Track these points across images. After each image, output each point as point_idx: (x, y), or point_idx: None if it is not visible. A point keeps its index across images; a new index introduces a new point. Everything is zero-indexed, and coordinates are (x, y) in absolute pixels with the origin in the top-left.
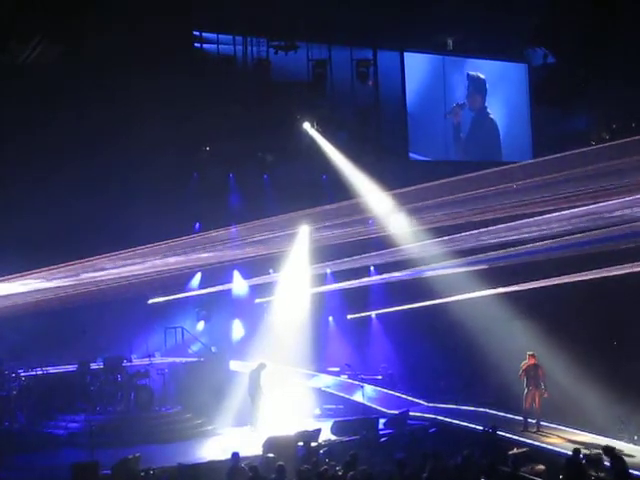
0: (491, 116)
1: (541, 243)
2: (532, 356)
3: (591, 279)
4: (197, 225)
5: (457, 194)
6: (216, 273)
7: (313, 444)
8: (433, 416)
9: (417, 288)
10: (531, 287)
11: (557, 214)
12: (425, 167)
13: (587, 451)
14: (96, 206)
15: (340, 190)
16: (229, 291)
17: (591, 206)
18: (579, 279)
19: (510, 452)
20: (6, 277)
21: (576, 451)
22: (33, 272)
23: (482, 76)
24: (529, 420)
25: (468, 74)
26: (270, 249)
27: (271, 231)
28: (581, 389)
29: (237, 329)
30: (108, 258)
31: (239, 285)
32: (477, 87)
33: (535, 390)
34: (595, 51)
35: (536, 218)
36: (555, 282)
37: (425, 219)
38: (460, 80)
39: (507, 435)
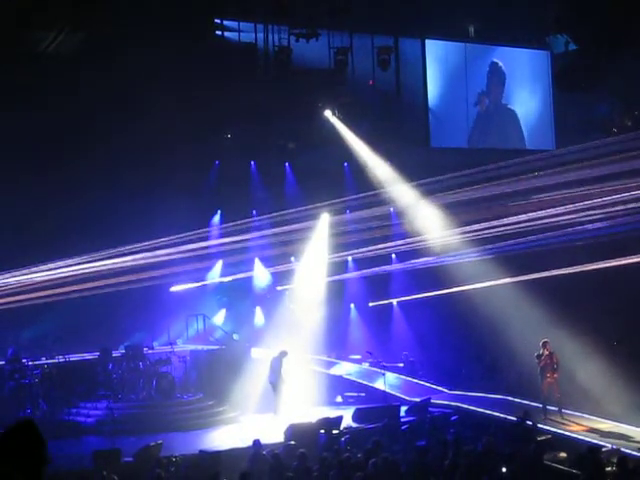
0: (509, 106)
1: (566, 230)
2: (547, 343)
3: (615, 266)
4: (218, 212)
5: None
6: (237, 261)
7: (335, 431)
8: (455, 404)
9: (438, 276)
10: (553, 275)
11: (584, 203)
12: (446, 155)
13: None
14: (115, 194)
15: (361, 178)
16: (250, 279)
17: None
18: (603, 266)
19: (532, 440)
20: (31, 267)
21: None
22: (55, 262)
23: (500, 64)
24: (549, 407)
25: (491, 62)
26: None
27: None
28: (603, 377)
29: (259, 317)
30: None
31: (260, 273)
32: (497, 75)
33: (552, 378)
34: (616, 37)
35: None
36: (578, 270)
37: (449, 208)
38: (482, 67)
39: (529, 423)
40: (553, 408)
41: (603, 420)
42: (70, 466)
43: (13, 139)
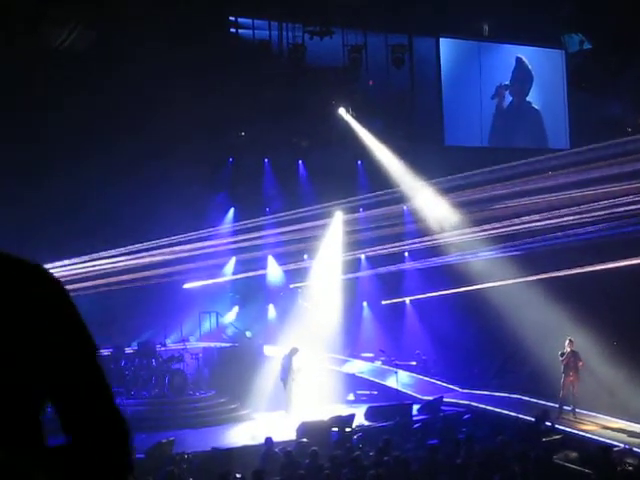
0: (534, 105)
1: (578, 230)
2: (571, 342)
3: (628, 265)
4: (231, 210)
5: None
6: (251, 258)
7: (347, 429)
8: (467, 402)
9: (451, 274)
10: (566, 274)
11: (596, 204)
12: (460, 153)
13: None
14: (128, 192)
15: (375, 176)
16: (264, 276)
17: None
18: (615, 265)
19: (544, 439)
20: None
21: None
22: (66, 259)
23: (525, 60)
24: (565, 407)
25: (517, 57)
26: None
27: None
28: (617, 376)
29: (271, 314)
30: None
31: (274, 271)
32: (522, 71)
33: (574, 377)
34: (630, 37)
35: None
36: (591, 269)
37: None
38: (496, 66)
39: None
40: (567, 408)
41: (616, 419)
42: None
43: (31, 136)
